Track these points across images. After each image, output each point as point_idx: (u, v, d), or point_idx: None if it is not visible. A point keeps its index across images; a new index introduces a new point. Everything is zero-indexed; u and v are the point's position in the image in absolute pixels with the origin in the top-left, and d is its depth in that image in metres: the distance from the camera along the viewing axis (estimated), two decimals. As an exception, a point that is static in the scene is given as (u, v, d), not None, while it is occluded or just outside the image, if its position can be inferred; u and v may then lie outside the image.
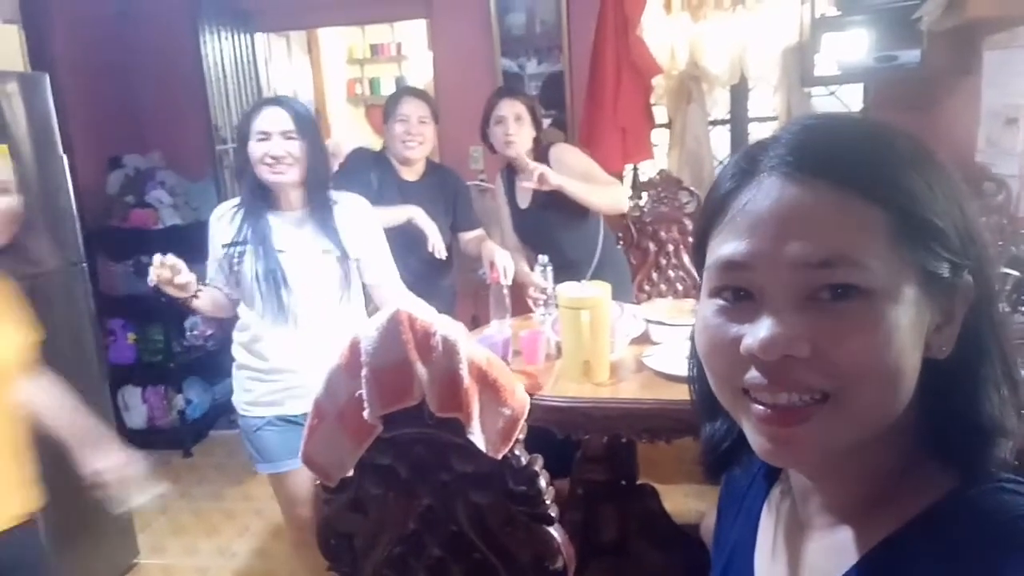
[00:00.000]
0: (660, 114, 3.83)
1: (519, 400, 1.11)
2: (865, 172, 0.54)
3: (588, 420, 2.00)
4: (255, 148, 2.06)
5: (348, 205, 2.21)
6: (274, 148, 2.05)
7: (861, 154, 0.55)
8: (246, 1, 3.80)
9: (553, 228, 2.79)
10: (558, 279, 2.58)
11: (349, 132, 6.44)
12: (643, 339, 2.32)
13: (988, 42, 2.93)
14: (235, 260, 2.09)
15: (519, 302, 2.73)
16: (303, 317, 2.11)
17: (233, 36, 3.69)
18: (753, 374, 0.56)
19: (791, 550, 0.67)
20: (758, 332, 0.55)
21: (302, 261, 2.11)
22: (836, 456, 0.58)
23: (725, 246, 0.58)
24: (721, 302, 0.58)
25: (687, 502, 2.98)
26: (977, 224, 0.57)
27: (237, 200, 2.18)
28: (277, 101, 2.15)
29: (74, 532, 2.64)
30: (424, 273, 2.63)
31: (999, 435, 0.58)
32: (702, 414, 0.72)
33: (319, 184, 2.15)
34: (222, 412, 4.00)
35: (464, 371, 1.09)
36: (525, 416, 1.12)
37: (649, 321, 2.32)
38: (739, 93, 3.81)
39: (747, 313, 0.57)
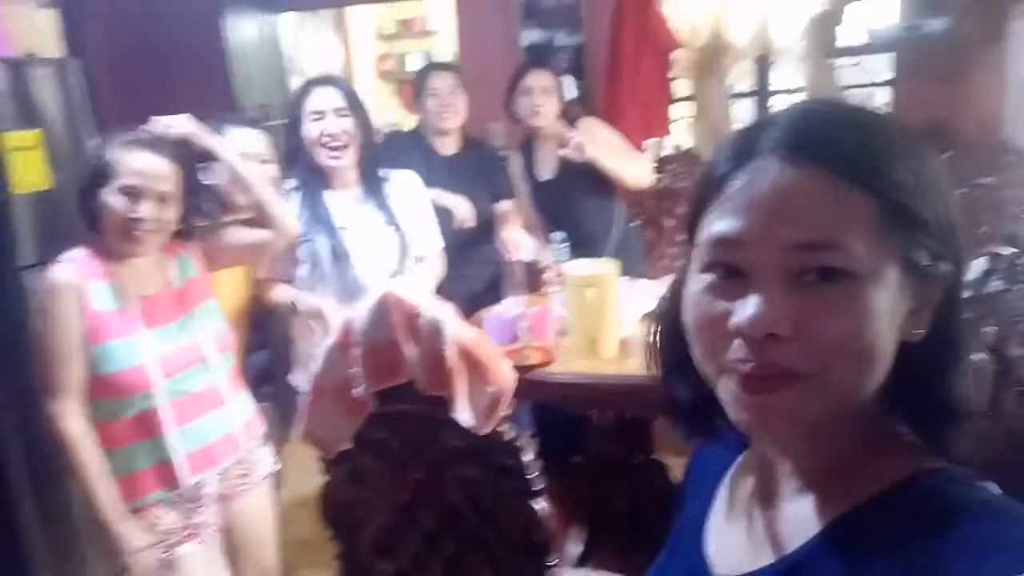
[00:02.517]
0: (683, 87, 3.81)
1: (504, 378, 1.16)
2: (857, 160, 0.56)
3: (593, 396, 2.04)
4: (311, 128, 2.12)
5: (400, 181, 2.29)
6: (329, 126, 2.11)
7: (854, 142, 0.58)
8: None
9: (574, 201, 2.81)
10: (576, 254, 2.61)
11: (379, 109, 6.48)
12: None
13: (1017, 11, 2.86)
14: (299, 241, 2.14)
15: (537, 279, 2.77)
16: (367, 289, 2.17)
17: (259, 18, 3.75)
18: (737, 349, 0.58)
19: (750, 520, 0.69)
20: (746, 309, 0.57)
21: (364, 237, 2.19)
22: (809, 427, 0.60)
23: (719, 223, 0.59)
24: (712, 278, 0.60)
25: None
26: (957, 216, 0.59)
27: (291, 183, 2.20)
28: (325, 80, 2.20)
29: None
30: (462, 246, 2.65)
31: (963, 417, 0.61)
32: (668, 381, 0.73)
33: (373, 161, 2.22)
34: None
35: (449, 351, 1.13)
36: (510, 394, 1.16)
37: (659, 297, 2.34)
38: (764, 65, 3.76)
39: (736, 290, 0.58)
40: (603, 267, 2.09)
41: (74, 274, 1.64)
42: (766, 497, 0.68)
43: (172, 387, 1.69)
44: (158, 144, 1.70)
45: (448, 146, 2.81)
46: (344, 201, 2.21)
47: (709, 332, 0.61)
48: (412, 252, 2.29)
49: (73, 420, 1.62)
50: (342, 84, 2.21)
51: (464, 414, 1.15)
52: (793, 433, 0.62)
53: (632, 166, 2.76)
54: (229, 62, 3.53)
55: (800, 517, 0.63)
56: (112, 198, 1.63)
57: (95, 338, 1.63)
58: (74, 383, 1.63)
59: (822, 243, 0.55)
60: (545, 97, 2.72)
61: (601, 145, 2.70)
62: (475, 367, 1.15)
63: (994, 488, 0.59)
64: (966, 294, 1.42)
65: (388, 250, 2.24)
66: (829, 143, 0.57)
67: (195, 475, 1.72)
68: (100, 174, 1.64)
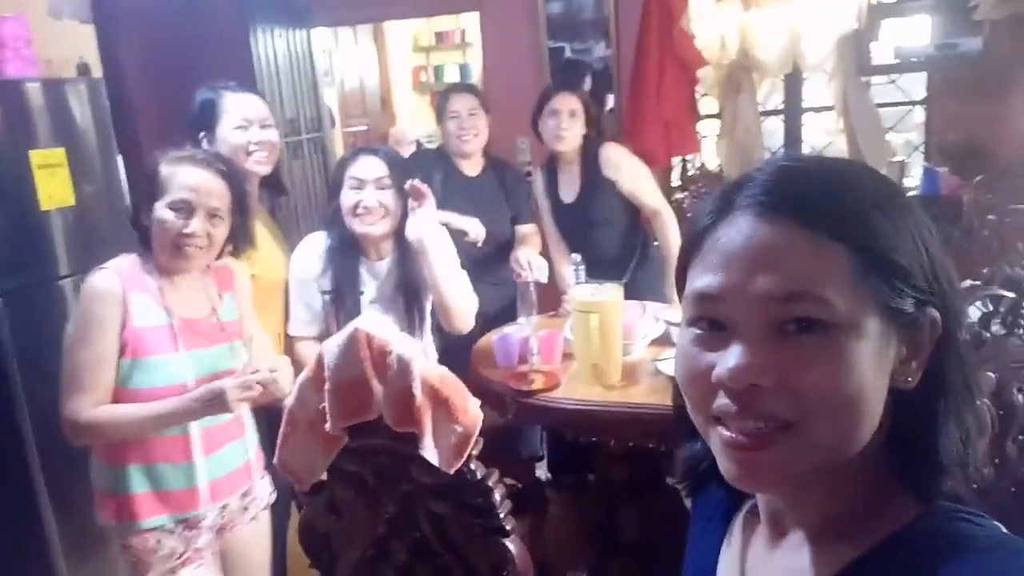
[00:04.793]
0: (710, 105, 3.76)
1: (471, 417, 1.15)
2: (831, 212, 0.57)
3: (595, 423, 2.02)
4: (347, 197, 2.09)
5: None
6: (367, 199, 2.08)
7: (828, 195, 0.59)
8: (300, -1, 3.92)
9: (595, 224, 2.82)
10: (597, 275, 2.60)
11: (414, 120, 6.54)
12: (663, 340, 2.31)
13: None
14: (326, 306, 2.16)
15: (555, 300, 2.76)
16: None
17: (288, 33, 3.81)
18: (722, 401, 0.59)
19: (754, 572, 0.70)
20: (728, 361, 0.58)
21: (383, 308, 2.17)
22: (801, 480, 0.60)
23: (700, 279, 0.61)
24: (697, 331, 0.62)
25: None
26: (944, 262, 0.60)
27: (324, 240, 2.18)
28: (373, 151, 2.18)
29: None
30: (478, 266, 2.61)
31: (958, 466, 0.60)
32: (681, 433, 0.75)
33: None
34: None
35: (417, 389, 1.13)
36: (477, 433, 1.15)
37: (668, 323, 2.31)
38: (793, 82, 3.69)
39: (719, 342, 0.60)
40: (607, 293, 2.07)
41: (117, 283, 1.64)
42: (774, 546, 0.68)
43: None
44: (209, 161, 1.71)
45: (471, 167, 2.81)
46: (375, 274, 2.20)
47: (697, 384, 0.62)
48: (427, 313, 2.28)
49: (88, 410, 1.61)
50: (387, 154, 2.19)
51: (430, 452, 1.15)
52: (783, 487, 0.63)
53: (653, 193, 2.80)
54: (256, 78, 3.59)
55: (805, 568, 0.63)
56: (164, 212, 1.64)
57: (135, 351, 1.63)
58: (101, 387, 1.62)
59: (798, 294, 0.56)
60: (571, 120, 2.71)
61: (621, 173, 2.74)
62: (441, 405, 1.14)
63: (998, 525, 0.59)
64: (966, 337, 1.37)
65: (403, 319, 2.20)
66: (803, 198, 0.58)
67: (215, 502, 1.75)
68: (152, 190, 1.65)
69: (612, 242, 2.85)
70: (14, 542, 2.58)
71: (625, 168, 2.78)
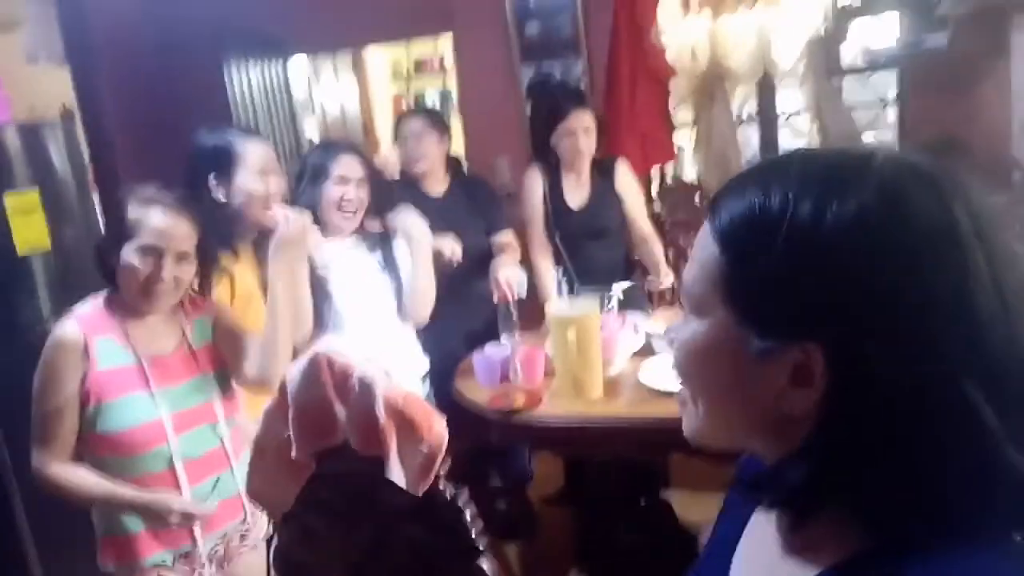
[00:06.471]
0: (686, 114, 3.78)
1: (436, 435, 1.14)
2: (716, 213, 0.61)
3: (578, 437, 2.01)
4: (333, 191, 2.25)
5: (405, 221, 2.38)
6: (350, 193, 2.25)
7: (724, 199, 0.61)
8: (273, 28, 3.92)
9: (597, 232, 2.87)
10: (588, 284, 2.62)
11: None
12: (646, 351, 2.30)
13: (1018, 23, 2.78)
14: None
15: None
16: (353, 329, 2.24)
17: (263, 64, 3.83)
18: None
19: (770, 554, 0.68)
20: None
21: (355, 279, 2.29)
22: (712, 444, 0.65)
23: None
24: None
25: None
26: (871, 307, 0.52)
27: None
28: (352, 149, 2.37)
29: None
30: (458, 285, 2.66)
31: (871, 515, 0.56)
32: None
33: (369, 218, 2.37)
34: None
35: (379, 410, 1.12)
36: (443, 451, 1.14)
37: (649, 334, 2.30)
38: (766, 88, 3.71)
39: None
40: (584, 307, 2.06)
41: (79, 331, 1.64)
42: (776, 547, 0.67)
43: (183, 447, 1.69)
44: (177, 203, 1.70)
45: (434, 187, 2.84)
46: (342, 246, 2.31)
47: None
48: (406, 292, 2.33)
49: (56, 465, 1.64)
50: (362, 154, 2.38)
51: (397, 473, 1.13)
52: (707, 447, 0.66)
53: (646, 218, 2.96)
54: (232, 109, 3.60)
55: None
56: (132, 257, 1.62)
57: (101, 396, 1.63)
58: (62, 439, 1.64)
59: (683, 277, 0.65)
60: (587, 137, 2.76)
61: (629, 193, 2.88)
62: (406, 425, 1.13)
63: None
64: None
65: (379, 290, 2.30)
66: (717, 197, 0.62)
67: (209, 533, 1.75)
68: (120, 232, 1.64)
69: (607, 252, 2.90)
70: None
71: (632, 188, 2.91)
